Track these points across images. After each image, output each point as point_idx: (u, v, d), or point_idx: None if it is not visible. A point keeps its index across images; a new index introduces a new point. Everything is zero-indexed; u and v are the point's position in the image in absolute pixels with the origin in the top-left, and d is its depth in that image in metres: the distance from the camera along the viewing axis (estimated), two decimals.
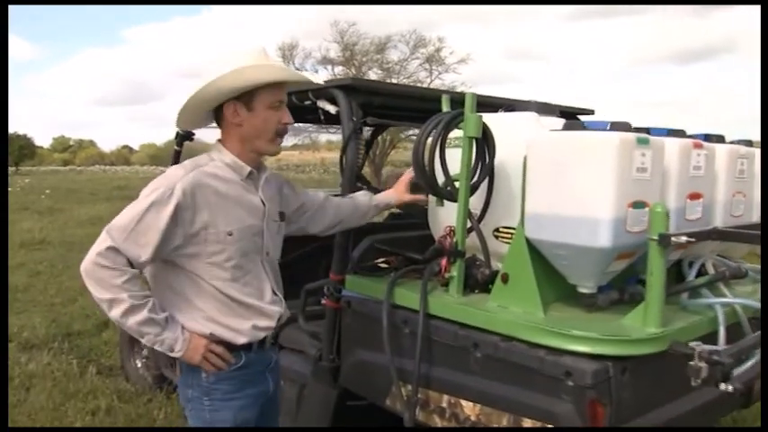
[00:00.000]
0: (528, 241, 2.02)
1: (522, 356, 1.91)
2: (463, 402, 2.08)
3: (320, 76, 2.10)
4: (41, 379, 4.41)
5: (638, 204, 1.87)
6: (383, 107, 2.68)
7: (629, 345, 1.81)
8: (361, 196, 2.51)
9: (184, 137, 4.05)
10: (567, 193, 1.88)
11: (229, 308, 1.94)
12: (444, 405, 2.14)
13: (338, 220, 2.42)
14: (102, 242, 1.80)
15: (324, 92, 2.67)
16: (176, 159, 4.19)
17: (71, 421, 3.81)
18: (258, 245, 2.01)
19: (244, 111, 1.92)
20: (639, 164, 1.86)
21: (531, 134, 2.33)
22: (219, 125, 2.01)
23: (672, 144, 2.02)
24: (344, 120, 2.55)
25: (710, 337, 2.05)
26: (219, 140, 2.02)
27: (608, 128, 1.92)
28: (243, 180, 1.98)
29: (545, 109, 2.52)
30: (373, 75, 31.33)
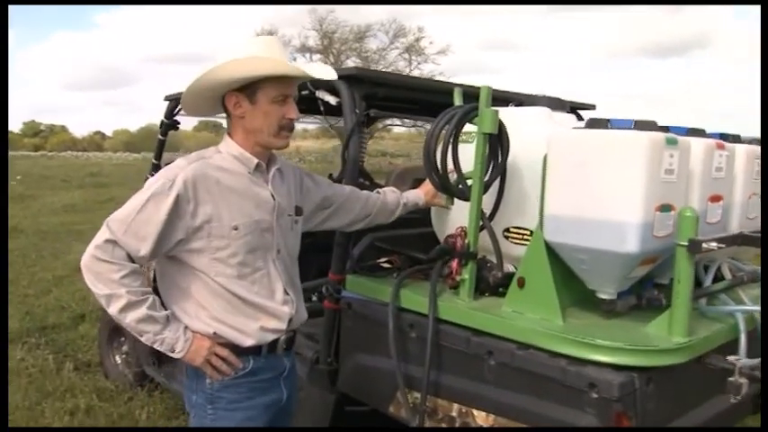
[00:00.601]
0: (546, 244, 1.92)
1: (541, 366, 1.81)
2: (475, 412, 1.98)
3: (331, 70, 1.96)
4: (16, 376, 4.23)
5: (664, 208, 1.78)
6: (386, 99, 2.56)
7: (656, 355, 1.73)
8: (390, 193, 2.40)
9: (169, 125, 3.89)
10: (591, 194, 1.78)
11: (235, 307, 1.84)
12: (454, 414, 2.04)
13: (365, 215, 2.31)
14: (102, 235, 1.74)
15: (324, 82, 2.53)
16: (160, 148, 4.03)
17: (48, 422, 3.64)
18: (268, 241, 1.90)
19: (246, 103, 1.83)
20: (667, 165, 1.77)
21: (544, 130, 2.24)
22: (227, 117, 1.92)
23: (696, 144, 1.94)
24: (347, 112, 2.42)
25: (730, 345, 1.99)
26: (228, 132, 1.93)
27: (632, 126, 1.83)
28: (251, 173, 1.88)
29: (555, 104, 2.43)
30: (351, 64, 31.12)
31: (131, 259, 1.74)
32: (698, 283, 2.18)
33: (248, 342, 1.86)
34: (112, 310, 1.73)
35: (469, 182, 2.10)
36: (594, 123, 1.86)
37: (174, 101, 3.76)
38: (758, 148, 2.32)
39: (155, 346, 1.78)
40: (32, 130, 71.55)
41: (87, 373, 4.45)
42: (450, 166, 2.10)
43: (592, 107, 3.48)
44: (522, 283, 1.97)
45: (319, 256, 3.75)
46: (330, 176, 4.61)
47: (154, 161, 3.98)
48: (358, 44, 32.51)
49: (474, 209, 2.07)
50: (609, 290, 1.90)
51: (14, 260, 8.10)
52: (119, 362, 4.40)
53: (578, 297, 2.04)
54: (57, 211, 13.46)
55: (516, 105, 2.50)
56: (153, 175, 3.86)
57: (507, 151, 2.12)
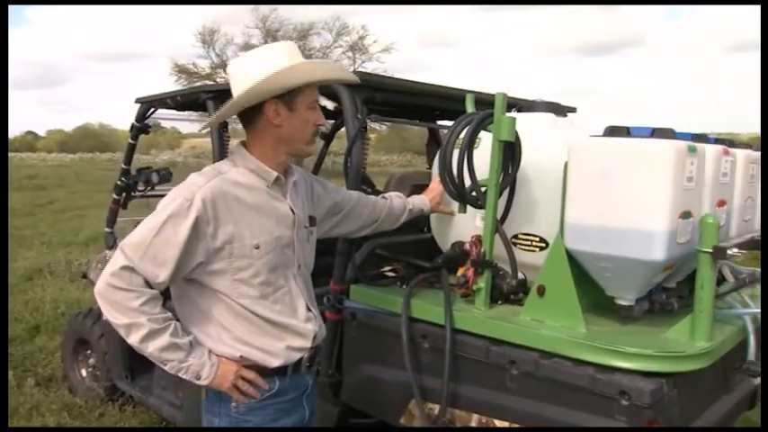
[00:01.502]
0: (567, 252, 1.92)
1: (567, 374, 1.81)
2: (497, 422, 1.97)
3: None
4: None
5: (685, 215, 1.80)
6: (387, 103, 2.51)
7: (683, 361, 1.75)
8: (396, 198, 2.36)
9: (141, 129, 3.73)
10: (616, 202, 1.78)
11: (260, 328, 1.77)
12: (474, 424, 2.02)
13: (372, 221, 2.26)
14: (117, 261, 1.65)
15: (324, 86, 2.47)
16: (131, 152, 3.87)
17: None
18: (289, 258, 1.84)
19: (285, 111, 1.76)
20: (688, 173, 1.79)
21: (551, 136, 2.25)
22: (248, 126, 1.82)
23: (709, 151, 1.97)
24: (349, 118, 2.36)
25: (739, 347, 2.04)
26: (242, 143, 1.85)
27: (650, 134, 1.84)
28: (269, 187, 1.81)
29: (556, 109, 2.44)
30: None
31: (149, 285, 1.66)
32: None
33: (275, 363, 1.80)
34: (133, 339, 1.64)
35: (482, 189, 2.07)
36: (615, 131, 1.86)
37: (147, 104, 3.61)
38: (753, 153, 2.39)
39: (179, 374, 1.70)
40: None
41: (50, 388, 4.25)
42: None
43: (573, 110, 3.52)
44: (541, 291, 1.96)
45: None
46: None
47: (124, 166, 3.82)
48: (302, 42, 32.28)
49: (490, 216, 2.05)
50: (629, 296, 1.91)
51: None
52: (84, 376, 4.22)
53: (591, 303, 2.05)
54: None
55: (517, 110, 2.49)
56: (123, 181, 3.77)
57: (520, 158, 2.10)
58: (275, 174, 1.81)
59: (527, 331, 1.91)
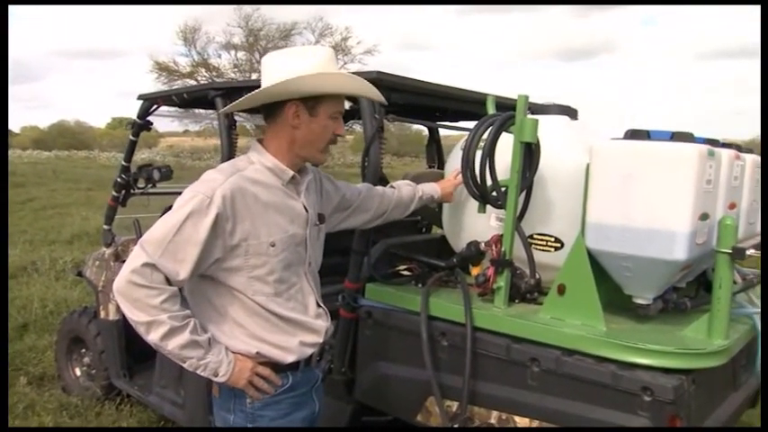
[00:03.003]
0: (587, 251, 1.96)
1: (589, 371, 1.84)
2: (517, 418, 2.00)
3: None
4: None
5: (704, 216, 1.86)
6: (405, 104, 2.53)
7: (703, 358, 1.80)
8: (405, 186, 2.38)
9: (142, 126, 3.71)
10: (639, 204, 1.83)
11: (274, 324, 1.79)
12: (493, 421, 2.05)
13: (382, 212, 2.28)
14: (137, 258, 1.64)
15: None
16: (131, 149, 3.84)
17: None
18: (301, 256, 1.87)
19: (305, 115, 1.77)
20: (708, 176, 1.85)
21: (565, 138, 2.30)
22: (269, 121, 1.83)
23: (725, 155, 2.03)
24: (367, 118, 2.38)
25: (749, 346, 2.11)
26: (259, 140, 1.86)
27: (670, 137, 1.89)
28: (284, 185, 1.82)
29: (569, 112, 2.48)
30: None
31: (169, 282, 1.65)
32: (709, 287, 2.29)
33: (290, 359, 1.82)
34: (153, 337, 1.64)
35: (503, 189, 2.11)
36: (636, 134, 1.91)
37: (149, 101, 3.59)
38: (757, 157, 2.46)
39: (198, 372, 1.71)
40: None
41: (43, 387, 4.20)
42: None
43: (573, 112, 3.57)
44: (562, 290, 2.00)
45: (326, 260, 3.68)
46: None
47: (124, 163, 3.79)
48: (284, 42, 32.19)
49: (510, 217, 2.08)
50: (648, 295, 1.96)
51: None
52: (79, 375, 4.17)
53: (606, 301, 2.09)
54: None
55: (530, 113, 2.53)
56: (123, 178, 3.74)
57: (538, 160, 2.14)
58: (291, 173, 1.82)
59: (549, 329, 1.95)
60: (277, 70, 1.73)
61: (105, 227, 3.94)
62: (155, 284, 1.62)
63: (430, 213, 2.75)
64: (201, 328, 1.72)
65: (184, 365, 1.69)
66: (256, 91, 1.74)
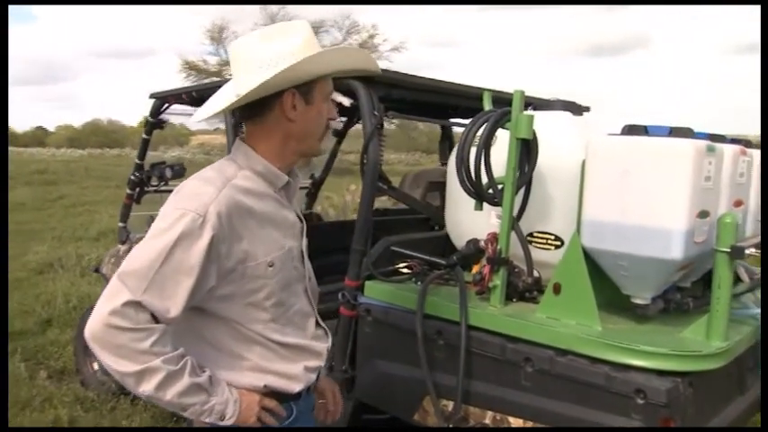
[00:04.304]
0: (583, 250, 1.92)
1: (583, 372, 1.81)
2: (511, 419, 1.97)
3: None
4: None
5: (703, 214, 1.81)
6: (404, 101, 2.52)
7: (699, 360, 1.75)
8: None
9: (155, 124, 3.76)
10: (634, 201, 1.79)
11: (275, 352, 1.56)
12: (488, 421, 2.03)
13: None
14: (116, 295, 1.34)
15: (339, 83, 2.48)
16: (144, 148, 3.90)
17: None
18: (300, 272, 1.62)
19: (302, 103, 1.50)
20: (707, 172, 1.80)
21: (567, 135, 2.26)
22: (255, 119, 1.54)
23: (727, 151, 1.97)
24: (366, 114, 2.37)
25: (753, 348, 2.04)
26: (242, 140, 1.57)
27: (668, 133, 1.85)
28: (276, 192, 1.57)
29: (573, 108, 2.44)
30: None
31: (156, 319, 1.37)
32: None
33: (298, 387, 1.59)
34: (147, 388, 1.35)
35: (499, 186, 2.08)
36: (633, 130, 1.86)
37: (161, 99, 3.63)
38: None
39: (202, 419, 1.44)
40: None
41: (62, 381, 4.27)
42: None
43: (587, 109, 3.52)
44: (557, 289, 1.97)
45: (317, 260, 3.69)
46: (312, 176, 4.58)
47: (137, 161, 3.85)
48: None
49: (506, 214, 2.06)
50: (646, 295, 1.92)
51: None
52: (96, 369, 4.24)
53: (605, 301, 2.05)
54: None
55: (533, 109, 2.50)
56: (137, 175, 3.79)
57: (536, 157, 2.11)
58: (286, 178, 1.57)
59: (543, 328, 1.92)
60: (265, 59, 1.45)
61: (120, 224, 4.01)
62: (141, 325, 1.33)
63: (433, 211, 2.73)
64: (199, 367, 1.45)
65: (185, 414, 1.43)
66: (253, 87, 1.42)
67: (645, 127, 1.87)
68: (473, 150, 2.08)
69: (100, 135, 51.48)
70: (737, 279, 2.25)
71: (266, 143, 1.54)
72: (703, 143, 1.77)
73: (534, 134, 2.07)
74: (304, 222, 1.66)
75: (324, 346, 1.69)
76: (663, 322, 1.99)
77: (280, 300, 1.54)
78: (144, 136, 3.82)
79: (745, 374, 2.18)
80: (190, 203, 1.39)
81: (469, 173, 2.06)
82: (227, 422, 1.45)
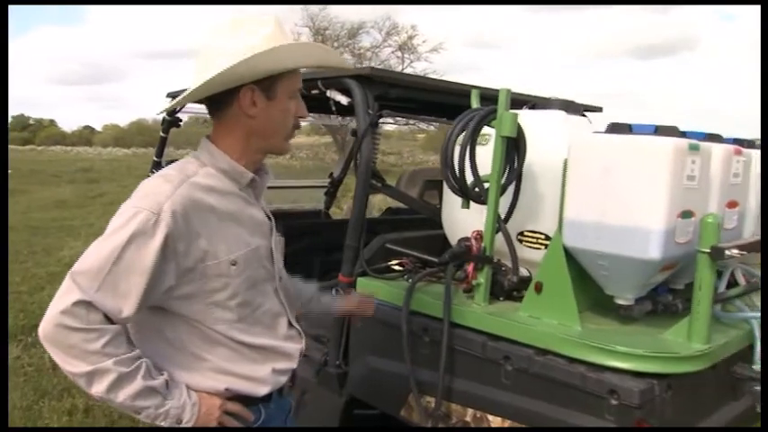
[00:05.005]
0: (565, 249, 1.91)
1: (560, 372, 1.80)
2: (490, 417, 1.97)
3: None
4: (13, 375, 4.18)
5: (686, 214, 1.77)
6: (398, 99, 2.54)
7: (676, 362, 1.72)
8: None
9: (171, 122, 3.85)
10: (613, 200, 1.77)
11: (240, 353, 1.53)
12: (469, 419, 2.02)
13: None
14: (68, 294, 1.32)
15: (336, 81, 2.51)
16: (162, 145, 3.99)
17: (47, 422, 3.61)
18: (269, 271, 1.59)
19: (262, 99, 1.48)
20: (689, 171, 1.76)
21: (560, 134, 2.24)
22: (216, 115, 1.53)
23: (716, 150, 1.93)
24: (360, 113, 2.40)
25: (744, 352, 1.99)
26: (208, 137, 1.55)
27: (654, 131, 1.82)
28: (242, 190, 1.54)
29: (570, 107, 2.41)
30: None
31: (110, 319, 1.34)
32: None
33: (264, 390, 1.57)
34: (98, 389, 1.33)
35: (486, 185, 2.07)
36: (616, 128, 1.84)
37: (176, 97, 3.71)
38: None
39: (158, 423, 1.40)
40: (21, 124, 71.02)
41: None
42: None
43: (599, 109, 3.47)
44: (539, 288, 1.96)
45: (322, 256, 3.73)
46: (331, 175, 4.62)
47: (155, 158, 3.94)
48: (351, 41, 32.51)
49: (491, 212, 2.05)
50: (628, 295, 1.89)
51: None
52: None
53: (592, 301, 2.03)
54: (47, 206, 13.36)
55: (530, 108, 2.48)
56: (153, 172, 3.88)
57: (524, 155, 2.10)
58: (250, 175, 1.54)
59: (522, 327, 1.91)
60: (222, 51, 1.43)
61: None
62: (92, 325, 1.31)
63: (429, 210, 2.73)
64: (156, 369, 1.43)
65: (140, 417, 1.40)
66: (206, 79, 1.41)
67: (630, 125, 1.84)
68: (459, 149, 2.08)
69: (145, 134, 52.64)
70: (735, 282, 2.21)
71: (229, 140, 1.52)
72: (684, 141, 1.74)
73: (521, 132, 2.07)
74: (273, 220, 1.63)
75: (296, 347, 1.65)
76: (649, 324, 1.96)
77: (245, 299, 1.51)
78: (161, 134, 3.92)
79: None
80: (145, 202, 1.38)
81: (454, 171, 2.06)
82: (186, 425, 1.43)
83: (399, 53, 32.45)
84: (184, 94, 1.48)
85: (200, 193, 1.44)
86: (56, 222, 11.13)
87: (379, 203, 7.65)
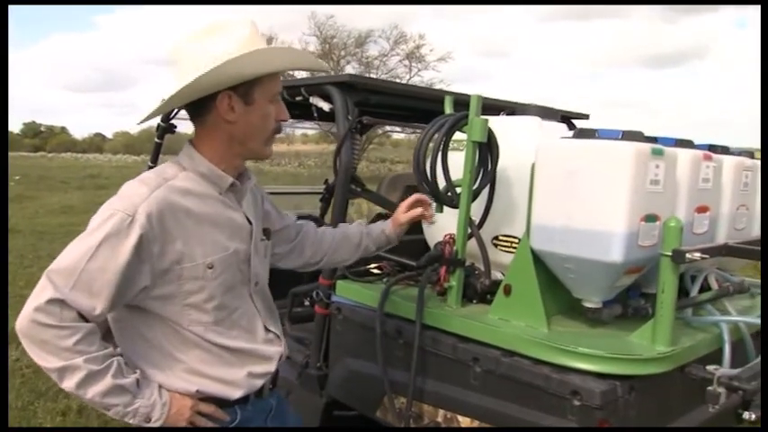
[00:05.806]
0: (533, 252, 1.94)
1: (525, 373, 1.82)
2: (460, 418, 2.00)
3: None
4: (11, 376, 4.23)
5: (650, 218, 1.80)
6: (380, 106, 2.58)
7: (638, 364, 1.74)
8: (353, 227, 2.09)
9: (166, 129, 3.90)
10: (577, 203, 1.80)
11: (217, 356, 1.56)
12: (440, 420, 2.05)
13: (318, 259, 2.01)
14: (42, 292, 1.36)
15: (318, 88, 2.56)
16: (156, 151, 4.04)
17: (41, 422, 3.66)
18: (245, 275, 1.62)
19: (240, 104, 1.50)
20: (653, 175, 1.78)
21: (534, 139, 2.27)
22: (197, 120, 1.56)
23: (683, 155, 1.96)
24: (339, 118, 2.44)
25: (714, 355, 2.00)
26: (191, 142, 1.58)
27: (620, 136, 1.84)
28: (222, 194, 1.57)
29: (547, 113, 2.45)
30: (351, 69, 31.31)
31: (84, 317, 1.39)
32: (685, 292, 2.20)
33: (237, 394, 1.59)
34: (68, 385, 1.38)
35: (458, 189, 2.11)
36: (582, 133, 1.87)
37: None
38: (747, 160, 2.34)
39: (126, 420, 1.44)
40: (32, 130, 71.71)
41: None
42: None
43: (585, 117, 3.50)
44: (508, 291, 1.99)
45: None
46: (326, 182, 4.66)
47: (149, 164, 3.99)
48: (358, 50, 32.69)
49: (462, 216, 2.09)
50: (594, 298, 1.91)
51: (11, 260, 8.11)
52: None
53: (564, 305, 2.05)
54: (55, 211, 13.48)
55: (508, 114, 2.52)
56: None
57: (497, 160, 2.13)
58: (230, 179, 1.57)
59: (489, 329, 1.94)
60: (197, 58, 1.45)
61: None
62: (65, 323, 1.36)
63: None
64: (129, 368, 1.47)
65: (109, 413, 1.44)
66: (178, 89, 1.44)
67: (595, 130, 1.87)
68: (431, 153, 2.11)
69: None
70: (707, 287, 2.23)
71: (209, 145, 1.55)
72: (647, 146, 1.76)
73: (493, 137, 2.10)
74: (253, 224, 1.64)
75: (275, 350, 1.68)
76: (618, 327, 1.98)
77: (222, 303, 1.54)
78: (156, 140, 3.97)
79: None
80: (121, 204, 1.42)
81: (426, 176, 2.10)
82: (154, 424, 1.46)
83: (407, 62, 32.60)
84: (160, 104, 1.50)
85: (176, 196, 1.47)
86: (62, 228, 11.23)
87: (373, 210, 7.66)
